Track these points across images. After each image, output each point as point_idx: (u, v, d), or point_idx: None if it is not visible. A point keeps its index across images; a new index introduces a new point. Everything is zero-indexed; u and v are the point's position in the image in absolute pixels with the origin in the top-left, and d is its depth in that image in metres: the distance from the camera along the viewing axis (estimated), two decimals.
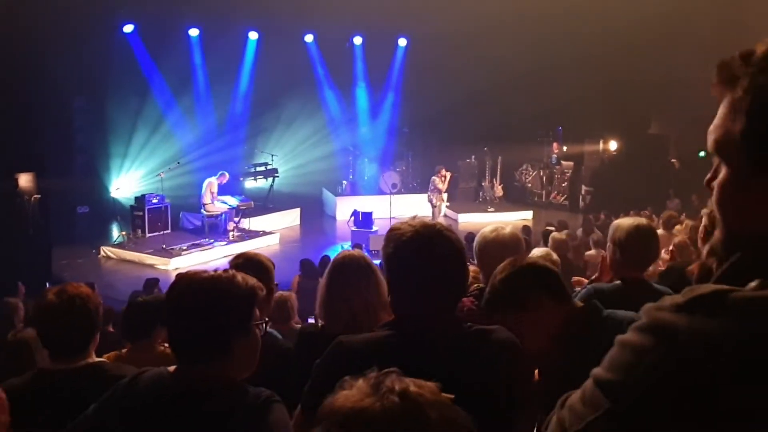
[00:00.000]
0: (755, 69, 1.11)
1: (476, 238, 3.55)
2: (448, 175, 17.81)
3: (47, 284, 11.84)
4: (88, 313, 2.81)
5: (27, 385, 2.72)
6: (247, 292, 2.10)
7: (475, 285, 3.54)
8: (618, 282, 3.58)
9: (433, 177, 17.82)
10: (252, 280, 2.15)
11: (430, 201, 17.70)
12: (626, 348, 1.07)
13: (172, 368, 2.14)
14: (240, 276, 2.13)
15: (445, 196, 17.97)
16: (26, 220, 12.74)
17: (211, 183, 16.45)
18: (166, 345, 3.67)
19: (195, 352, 2.08)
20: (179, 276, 2.22)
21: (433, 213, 17.58)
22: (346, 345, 2.11)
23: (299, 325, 5.26)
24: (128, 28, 18.81)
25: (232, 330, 2.06)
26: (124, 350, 3.81)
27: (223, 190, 16.92)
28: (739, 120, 1.12)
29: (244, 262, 3.30)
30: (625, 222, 3.69)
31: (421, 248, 2.07)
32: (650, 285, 3.54)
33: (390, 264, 2.15)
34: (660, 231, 9.87)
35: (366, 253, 3.38)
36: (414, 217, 2.25)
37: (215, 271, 2.16)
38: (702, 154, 20.18)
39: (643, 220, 3.74)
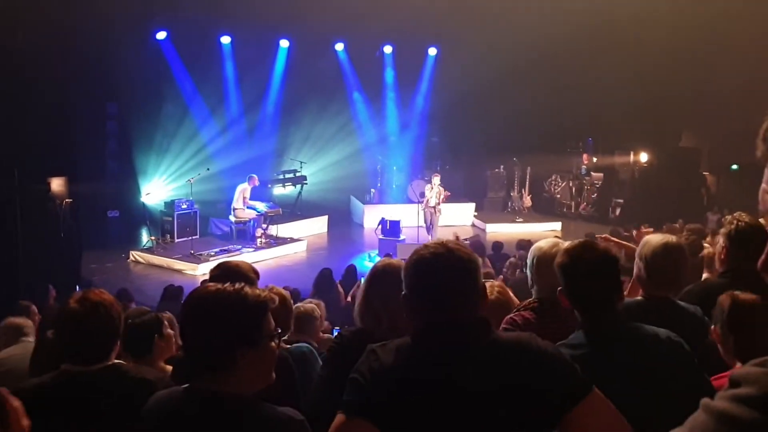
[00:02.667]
0: None
1: (533, 251, 3.57)
2: (440, 189, 17.28)
3: (77, 287, 12.00)
4: (111, 321, 2.82)
5: (47, 385, 2.74)
6: (252, 305, 2.13)
7: (528, 301, 3.58)
8: (640, 298, 3.52)
9: (427, 184, 17.74)
10: (263, 293, 2.18)
11: (424, 211, 17.43)
12: (723, 420, 0.88)
13: (183, 387, 2.18)
14: (248, 288, 2.16)
15: (439, 207, 17.42)
16: (57, 224, 12.87)
17: (245, 189, 16.58)
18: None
19: (200, 365, 2.12)
20: (192, 290, 2.26)
21: (425, 223, 17.34)
22: (377, 353, 2.17)
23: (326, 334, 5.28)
24: (161, 35, 19.02)
25: (236, 343, 2.09)
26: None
27: (254, 195, 17.03)
28: None
29: (221, 273, 3.35)
30: (653, 239, 3.61)
31: (430, 266, 2.18)
32: (676, 303, 3.47)
33: (406, 283, 2.24)
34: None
35: (403, 261, 3.43)
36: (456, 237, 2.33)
37: (225, 285, 2.18)
38: (734, 167, 19.97)
39: (672, 238, 3.63)
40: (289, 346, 3.75)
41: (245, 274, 3.38)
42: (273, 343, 2.19)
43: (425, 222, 17.38)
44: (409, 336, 2.19)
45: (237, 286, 2.16)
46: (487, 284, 4.33)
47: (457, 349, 2.12)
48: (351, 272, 11.71)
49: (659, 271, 3.48)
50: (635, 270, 3.64)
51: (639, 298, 3.54)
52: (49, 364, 3.63)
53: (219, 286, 2.17)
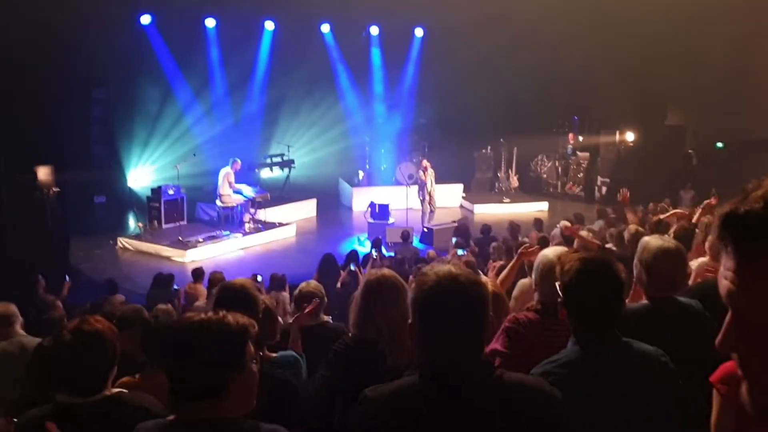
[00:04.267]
0: None
1: (539, 258, 3.67)
2: (428, 167, 17.45)
3: (66, 276, 11.98)
4: (105, 351, 2.82)
5: (46, 417, 2.72)
6: (237, 330, 2.19)
7: (531, 303, 3.68)
8: (645, 302, 3.56)
9: (419, 171, 17.73)
10: (243, 319, 2.24)
11: (420, 197, 17.45)
12: None
13: (171, 417, 2.21)
14: (230, 316, 2.22)
15: (434, 191, 17.56)
16: (45, 213, 12.85)
17: (228, 173, 16.48)
18: None
19: (192, 392, 2.15)
20: (172, 323, 2.31)
21: (422, 210, 17.43)
22: (373, 400, 2.15)
23: (326, 318, 5.26)
24: (146, 19, 18.89)
25: (226, 367, 2.14)
26: (137, 375, 3.80)
27: (239, 179, 16.97)
28: None
29: (229, 296, 3.35)
30: (652, 242, 3.66)
31: (439, 301, 2.11)
32: (678, 302, 3.52)
33: (413, 311, 2.19)
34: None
35: (395, 273, 3.48)
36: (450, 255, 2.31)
37: (207, 314, 2.24)
38: (719, 145, 20.10)
39: (671, 242, 3.71)
40: (275, 354, 3.75)
41: (250, 293, 3.38)
42: (254, 366, 2.24)
43: (423, 210, 17.40)
44: (414, 373, 2.17)
45: (220, 314, 2.22)
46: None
47: (462, 393, 2.09)
48: (354, 257, 11.73)
49: (659, 276, 3.54)
50: (635, 273, 3.70)
51: (644, 302, 3.58)
52: (45, 375, 3.64)
53: (202, 315, 2.22)
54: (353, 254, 11.82)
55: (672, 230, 6.57)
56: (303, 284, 5.29)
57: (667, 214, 9.32)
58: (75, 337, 2.79)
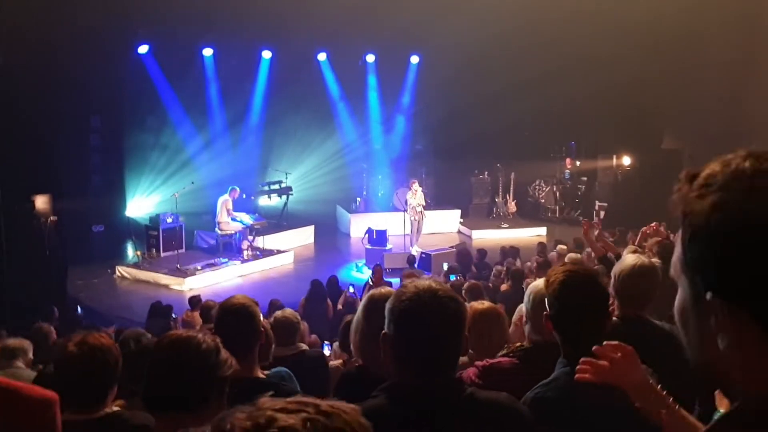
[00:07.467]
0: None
1: (530, 289, 3.42)
2: (419, 189, 17.46)
3: (64, 305, 11.93)
4: (108, 365, 2.83)
5: None
6: (220, 357, 2.19)
7: (519, 344, 3.43)
8: (615, 319, 3.47)
9: (407, 192, 17.68)
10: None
11: (411, 220, 17.38)
12: None
13: None
14: (212, 338, 2.23)
15: (424, 211, 17.53)
16: (42, 241, 12.82)
17: (226, 201, 16.49)
18: None
19: (175, 400, 2.13)
20: (163, 336, 2.33)
21: (411, 230, 17.39)
22: None
23: (304, 346, 5.20)
24: (143, 49, 18.97)
25: (213, 382, 2.14)
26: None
27: (237, 207, 16.98)
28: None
29: (230, 315, 3.31)
30: (627, 259, 3.65)
31: (417, 313, 2.08)
32: (649, 321, 3.48)
33: (389, 320, 2.15)
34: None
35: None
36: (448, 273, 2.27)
37: (197, 333, 2.24)
38: None
39: (644, 260, 3.65)
40: (267, 372, 3.68)
41: (250, 310, 3.34)
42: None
43: (411, 229, 17.35)
44: (381, 394, 2.12)
45: (210, 336, 2.23)
46: (477, 303, 4.37)
47: (432, 413, 2.06)
48: (333, 283, 11.73)
49: (630, 291, 3.52)
50: (610, 289, 3.59)
51: (614, 319, 3.47)
52: None
53: (191, 332, 2.23)
54: (332, 280, 11.81)
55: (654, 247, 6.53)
56: (278, 312, 5.18)
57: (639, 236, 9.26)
58: (80, 349, 2.81)
